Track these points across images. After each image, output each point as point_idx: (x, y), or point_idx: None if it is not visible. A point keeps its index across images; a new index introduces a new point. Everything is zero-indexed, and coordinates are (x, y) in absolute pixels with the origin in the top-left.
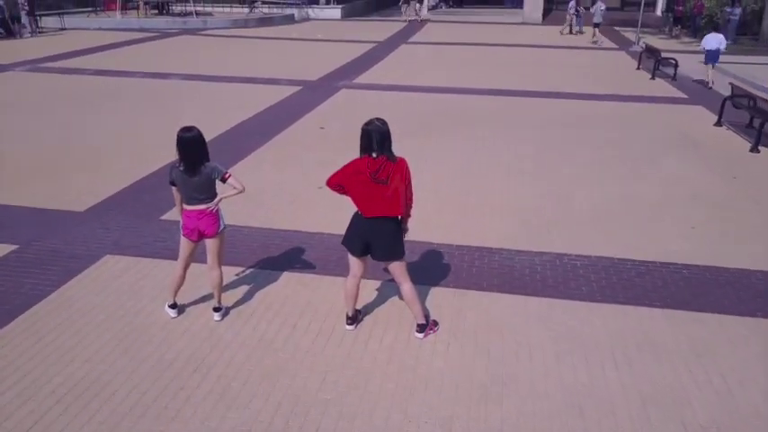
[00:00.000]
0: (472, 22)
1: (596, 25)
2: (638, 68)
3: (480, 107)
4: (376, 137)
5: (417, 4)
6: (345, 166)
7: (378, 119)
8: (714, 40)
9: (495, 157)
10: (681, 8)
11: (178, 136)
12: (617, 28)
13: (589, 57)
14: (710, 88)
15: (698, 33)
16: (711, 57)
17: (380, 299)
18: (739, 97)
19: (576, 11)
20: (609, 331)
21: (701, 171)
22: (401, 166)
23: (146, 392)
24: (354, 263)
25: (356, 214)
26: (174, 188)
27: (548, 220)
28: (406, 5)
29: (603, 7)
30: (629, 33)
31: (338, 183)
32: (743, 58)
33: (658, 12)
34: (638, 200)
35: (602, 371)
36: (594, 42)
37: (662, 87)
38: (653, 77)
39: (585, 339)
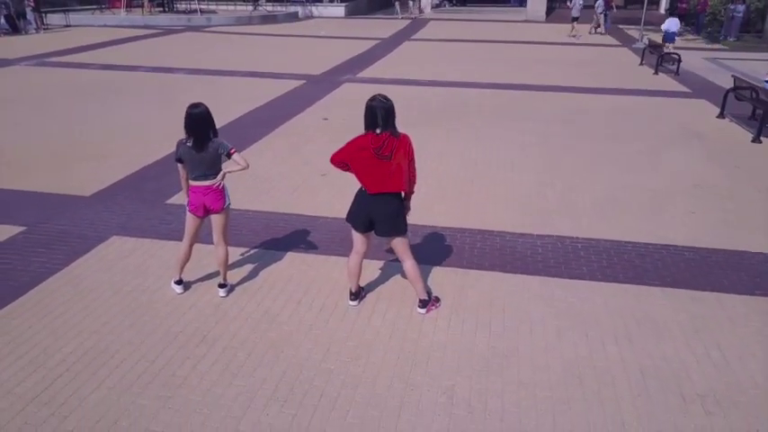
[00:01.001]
0: (476, 20)
1: (574, 19)
2: (642, 64)
3: (483, 101)
4: (381, 113)
5: (411, 2)
6: (349, 143)
7: (381, 95)
8: (673, 24)
9: (498, 147)
10: (684, 6)
11: (186, 112)
12: (621, 26)
13: (592, 53)
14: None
15: (702, 31)
16: (669, 37)
17: (383, 277)
18: (741, 89)
19: (605, 10)
20: (609, 309)
21: (703, 161)
22: (404, 142)
23: (153, 361)
24: (358, 239)
25: (360, 191)
26: (180, 165)
27: (549, 206)
28: (398, 4)
29: (581, 2)
30: (633, 31)
31: (342, 159)
32: (746, 54)
33: (662, 9)
34: (640, 188)
35: (602, 345)
36: (573, 36)
37: (665, 82)
38: (656, 72)
39: (586, 316)
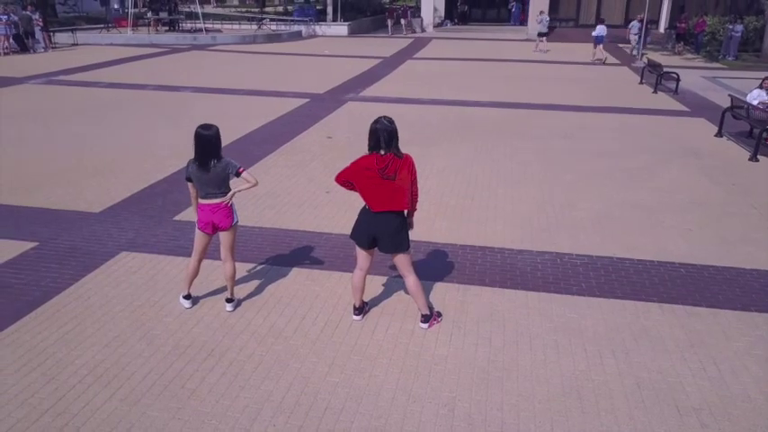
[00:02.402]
0: (477, 39)
1: (540, 35)
2: (641, 83)
3: (484, 118)
4: (383, 135)
5: (403, 21)
6: (354, 163)
7: (385, 117)
8: (601, 30)
9: (498, 164)
10: (684, 25)
11: (196, 132)
12: (621, 45)
13: (592, 72)
14: (605, 62)
15: (701, 50)
16: (598, 40)
17: (386, 293)
18: (738, 108)
19: (640, 33)
20: (607, 324)
21: (700, 179)
22: (407, 162)
23: (163, 374)
24: (361, 256)
25: (364, 209)
26: (189, 184)
27: (549, 223)
28: (390, 22)
29: (548, 18)
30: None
31: (347, 179)
32: (745, 73)
33: (661, 29)
34: (638, 205)
35: (600, 359)
36: (543, 51)
37: (664, 101)
38: (655, 91)
39: (584, 331)
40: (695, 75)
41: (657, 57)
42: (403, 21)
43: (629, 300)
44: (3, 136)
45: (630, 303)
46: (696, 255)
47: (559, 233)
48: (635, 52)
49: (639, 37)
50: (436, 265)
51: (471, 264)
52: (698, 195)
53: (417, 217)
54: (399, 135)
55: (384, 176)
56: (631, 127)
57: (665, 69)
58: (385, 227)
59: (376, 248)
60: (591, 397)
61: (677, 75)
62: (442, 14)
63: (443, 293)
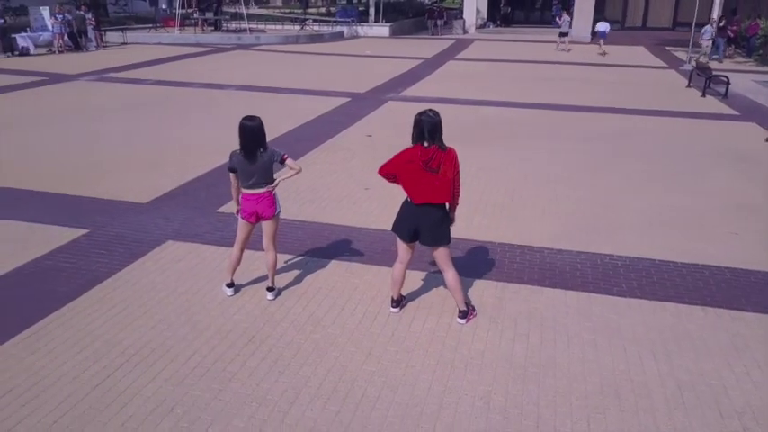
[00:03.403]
0: (520, 41)
1: (562, 35)
2: (689, 86)
3: (526, 120)
4: (427, 127)
5: (439, 22)
6: (397, 156)
7: (430, 110)
8: (602, 26)
9: (539, 165)
10: (735, 28)
11: (241, 124)
12: (668, 48)
13: (638, 75)
14: (605, 54)
15: (753, 53)
16: (601, 35)
17: (424, 287)
18: None
19: (715, 36)
20: (648, 325)
21: (748, 183)
22: (451, 156)
23: (205, 356)
24: (402, 249)
25: (406, 201)
26: (232, 175)
27: (589, 224)
28: (431, 23)
29: (570, 19)
30: (680, 53)
31: (390, 171)
32: None
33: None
34: (682, 208)
35: (640, 359)
36: (566, 51)
37: (712, 104)
38: (703, 95)
39: (624, 331)
40: (746, 78)
41: (706, 60)
42: (439, 22)
43: (671, 302)
44: (57, 129)
45: (672, 306)
46: (742, 259)
47: (600, 234)
48: (703, 58)
49: (712, 42)
50: (474, 262)
51: (510, 262)
52: (745, 200)
53: (456, 213)
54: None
55: (428, 169)
56: (677, 130)
57: (714, 73)
58: (427, 219)
59: (417, 243)
60: (630, 396)
61: (727, 78)
62: (485, 16)
63: (481, 290)
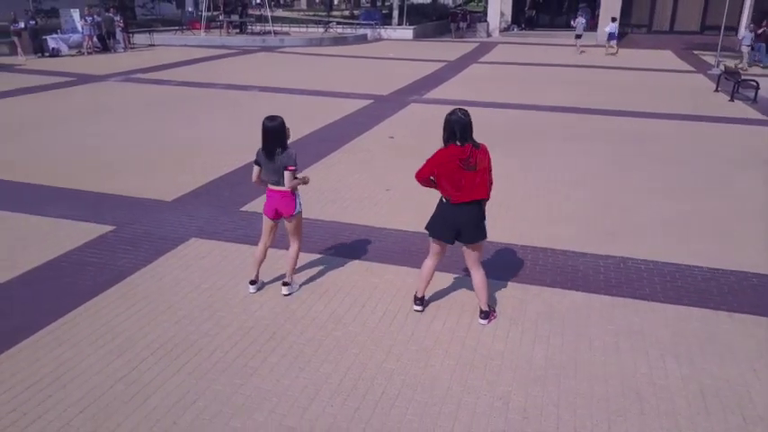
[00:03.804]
0: (544, 44)
1: (578, 36)
2: (717, 90)
3: (550, 122)
4: (458, 127)
5: (463, 25)
6: (433, 158)
7: (460, 109)
8: (612, 27)
9: (563, 167)
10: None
11: (262, 123)
12: (696, 51)
13: (665, 78)
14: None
15: None
16: (611, 36)
17: (445, 288)
18: None
19: (756, 42)
20: (671, 329)
21: None
22: (484, 151)
23: (227, 352)
24: (437, 249)
25: (443, 203)
26: (256, 168)
27: (614, 227)
28: (454, 26)
29: (584, 21)
30: (708, 57)
31: (428, 174)
32: None
33: (740, 36)
34: (708, 213)
35: (663, 363)
36: (581, 53)
37: (740, 109)
38: (731, 99)
39: (647, 335)
40: None
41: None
42: (462, 24)
43: (695, 307)
44: (86, 128)
45: (697, 310)
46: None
47: (625, 237)
48: (742, 64)
49: (752, 48)
50: (496, 264)
51: (532, 263)
52: None
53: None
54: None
55: (467, 167)
56: (704, 134)
57: (743, 77)
58: (468, 218)
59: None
60: (651, 399)
61: (756, 83)
62: (509, 19)
63: (502, 291)
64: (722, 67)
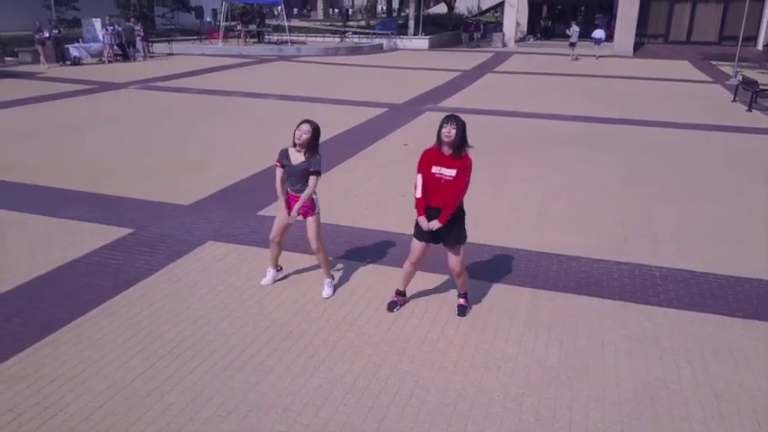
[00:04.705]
0: (560, 54)
1: (572, 45)
2: (734, 101)
3: (566, 131)
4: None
5: (477, 35)
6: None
7: (451, 115)
8: (599, 33)
9: (578, 175)
10: None
11: (309, 121)
12: (713, 62)
13: (681, 88)
14: (599, 58)
15: None
16: (597, 41)
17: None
18: None
19: None
20: (685, 335)
21: None
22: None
23: (243, 351)
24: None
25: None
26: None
27: (627, 234)
28: (466, 35)
29: (578, 29)
30: (726, 67)
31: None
32: None
33: (759, 46)
34: (723, 221)
35: (677, 368)
36: (575, 60)
37: (758, 119)
38: (749, 109)
39: (660, 340)
40: None
41: (754, 75)
42: (475, 34)
43: (710, 313)
44: (106, 134)
45: (711, 317)
46: None
47: (639, 244)
48: None
49: None
50: (509, 269)
51: (545, 269)
52: None
53: (493, 221)
54: (478, 143)
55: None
56: (721, 144)
57: (761, 87)
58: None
59: (430, 245)
60: (664, 403)
61: None
62: (525, 29)
63: (516, 296)
64: (740, 77)
